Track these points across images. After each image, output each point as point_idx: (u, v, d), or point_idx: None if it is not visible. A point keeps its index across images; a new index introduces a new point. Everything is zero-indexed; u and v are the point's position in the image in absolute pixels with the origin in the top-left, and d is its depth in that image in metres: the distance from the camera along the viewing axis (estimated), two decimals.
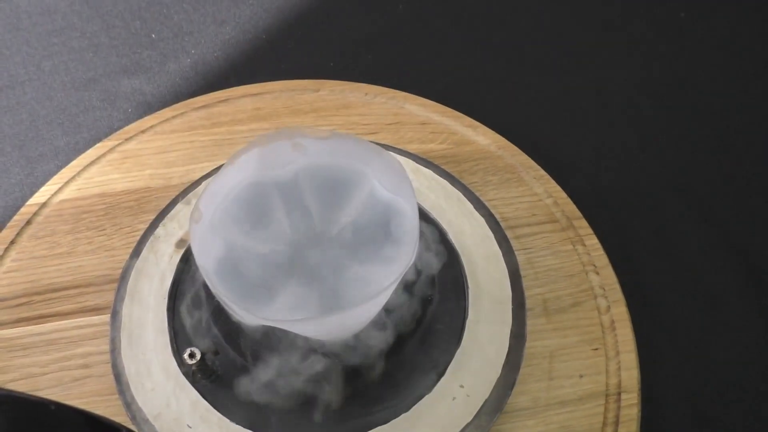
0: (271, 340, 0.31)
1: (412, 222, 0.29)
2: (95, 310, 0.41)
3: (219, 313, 0.32)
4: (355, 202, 0.31)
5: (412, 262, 0.28)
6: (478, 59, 0.60)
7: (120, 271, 0.40)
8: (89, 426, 0.18)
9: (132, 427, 0.32)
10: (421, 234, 0.37)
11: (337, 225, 0.31)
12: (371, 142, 0.31)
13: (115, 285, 0.39)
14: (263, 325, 0.31)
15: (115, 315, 0.36)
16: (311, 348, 0.32)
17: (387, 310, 0.33)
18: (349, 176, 0.31)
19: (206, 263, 0.28)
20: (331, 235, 0.30)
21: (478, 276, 0.37)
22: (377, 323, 0.32)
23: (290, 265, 0.30)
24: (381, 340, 0.32)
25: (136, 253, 0.39)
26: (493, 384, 0.34)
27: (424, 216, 0.39)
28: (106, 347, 0.37)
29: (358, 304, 0.26)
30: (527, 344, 0.39)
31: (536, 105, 0.56)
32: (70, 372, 0.38)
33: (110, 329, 0.36)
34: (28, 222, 0.45)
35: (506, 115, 0.54)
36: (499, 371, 0.34)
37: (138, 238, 0.42)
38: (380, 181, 0.31)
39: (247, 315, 0.27)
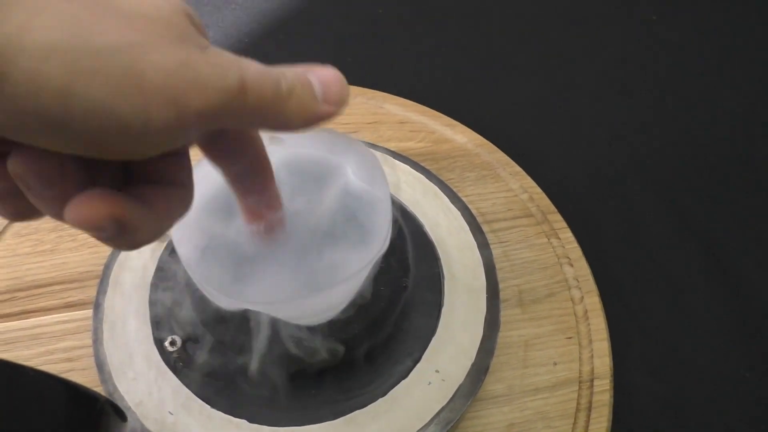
0: (250, 327, 0.32)
1: (385, 211, 0.30)
2: (78, 305, 0.41)
3: (199, 302, 0.33)
4: (330, 193, 0.32)
5: (384, 250, 0.29)
6: (455, 61, 0.61)
7: (103, 266, 0.41)
8: (68, 393, 0.18)
9: None
10: (398, 225, 0.38)
11: (314, 214, 0.32)
12: (345, 134, 0.32)
13: (98, 280, 0.40)
14: (242, 313, 0.32)
15: (98, 307, 0.37)
16: (290, 335, 0.32)
17: (365, 297, 0.34)
18: (324, 167, 0.32)
19: (185, 250, 0.28)
20: (308, 223, 0.31)
21: (453, 266, 0.38)
22: (355, 310, 0.33)
23: (268, 252, 0.30)
24: (359, 327, 0.33)
25: None
26: (468, 369, 0.35)
27: (401, 209, 0.40)
28: (89, 341, 0.37)
29: (330, 287, 0.27)
30: (503, 333, 0.40)
31: (512, 104, 0.58)
32: (54, 366, 0.39)
33: (93, 321, 0.36)
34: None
35: (483, 114, 0.55)
36: (474, 357, 0.35)
37: None
38: (355, 172, 0.32)
39: (225, 299, 0.27)
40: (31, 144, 0.15)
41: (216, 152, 0.21)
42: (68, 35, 0.14)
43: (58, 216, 0.17)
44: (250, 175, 0.23)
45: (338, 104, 0.19)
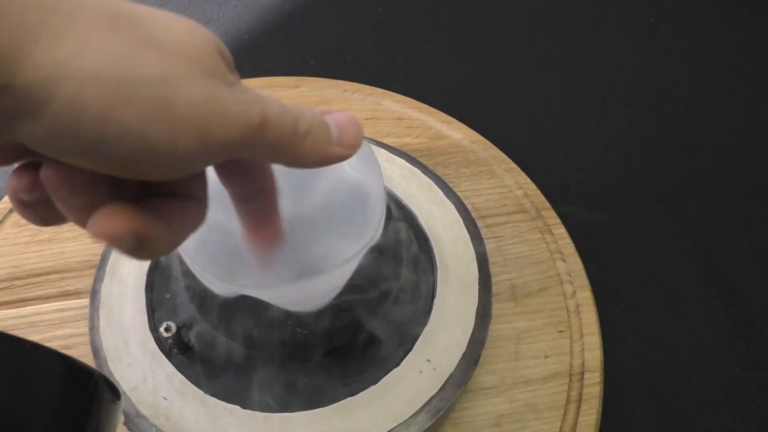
0: (243, 314, 0.33)
1: (378, 201, 0.31)
2: (75, 294, 0.42)
3: (195, 289, 0.34)
4: (325, 183, 0.32)
5: (377, 238, 0.30)
6: (453, 60, 0.62)
7: (100, 256, 0.41)
8: (64, 367, 0.19)
9: None
10: (393, 217, 0.38)
11: (309, 204, 0.32)
12: None
13: (95, 269, 0.41)
14: (237, 301, 0.32)
15: (95, 294, 0.37)
16: (283, 323, 0.33)
17: (359, 287, 0.34)
18: None
19: None
20: (304, 213, 0.32)
21: (447, 258, 0.39)
22: (348, 299, 0.34)
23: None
24: (352, 315, 0.34)
25: None
26: (458, 359, 0.35)
27: (396, 202, 0.41)
28: (86, 329, 0.38)
29: (322, 274, 0.28)
30: (496, 326, 0.40)
31: (509, 103, 0.58)
32: None
33: (89, 308, 0.37)
34: (12, 210, 0.46)
35: (480, 114, 0.56)
36: (465, 347, 0.35)
37: None
38: (349, 162, 0.32)
39: (220, 284, 0.28)
40: (65, 161, 0.16)
41: (228, 173, 0.22)
42: (112, 65, 0.15)
43: (82, 224, 0.18)
44: (256, 202, 0.24)
45: (352, 147, 0.21)
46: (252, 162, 0.22)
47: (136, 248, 0.18)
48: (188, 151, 0.16)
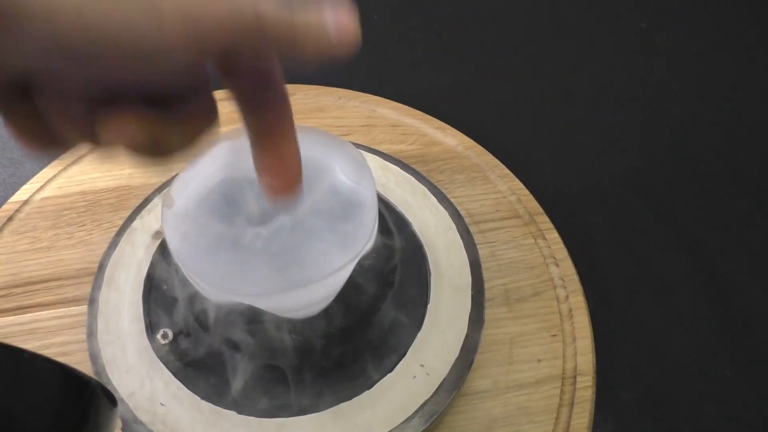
0: (238, 321, 0.33)
1: (371, 209, 0.31)
2: (74, 301, 0.42)
3: (191, 296, 0.34)
4: (319, 190, 0.33)
5: (370, 246, 0.30)
6: (447, 66, 0.63)
7: (98, 263, 0.42)
8: (61, 376, 0.19)
9: None
10: (386, 225, 0.39)
11: (303, 212, 0.33)
12: (334, 134, 0.33)
13: (93, 277, 0.41)
14: (232, 308, 0.33)
15: (93, 302, 0.38)
16: (278, 329, 0.33)
17: (352, 294, 0.35)
18: (314, 166, 0.33)
19: (178, 245, 0.30)
20: (297, 220, 0.32)
21: (440, 264, 0.39)
22: (343, 305, 0.34)
23: (258, 248, 0.31)
24: (347, 321, 0.34)
25: (114, 244, 0.40)
26: (452, 364, 0.35)
27: (389, 208, 0.41)
28: (84, 336, 0.38)
29: (316, 281, 0.28)
30: (489, 331, 0.41)
31: (502, 109, 0.59)
32: None
33: (87, 315, 0.37)
34: (10, 218, 0.46)
35: (474, 118, 0.56)
36: (458, 352, 0.36)
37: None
38: (342, 170, 0.33)
39: (215, 291, 0.28)
40: (57, 77, 0.15)
41: (228, 72, 0.21)
42: None
43: (90, 138, 0.17)
44: (265, 118, 0.22)
45: (349, 48, 0.20)
46: (255, 60, 0.21)
47: (151, 147, 0.16)
48: (177, 40, 0.15)
